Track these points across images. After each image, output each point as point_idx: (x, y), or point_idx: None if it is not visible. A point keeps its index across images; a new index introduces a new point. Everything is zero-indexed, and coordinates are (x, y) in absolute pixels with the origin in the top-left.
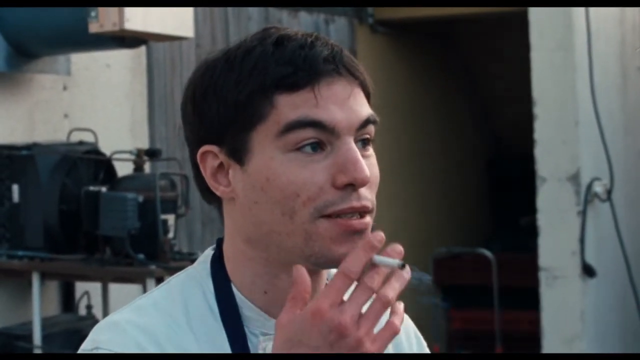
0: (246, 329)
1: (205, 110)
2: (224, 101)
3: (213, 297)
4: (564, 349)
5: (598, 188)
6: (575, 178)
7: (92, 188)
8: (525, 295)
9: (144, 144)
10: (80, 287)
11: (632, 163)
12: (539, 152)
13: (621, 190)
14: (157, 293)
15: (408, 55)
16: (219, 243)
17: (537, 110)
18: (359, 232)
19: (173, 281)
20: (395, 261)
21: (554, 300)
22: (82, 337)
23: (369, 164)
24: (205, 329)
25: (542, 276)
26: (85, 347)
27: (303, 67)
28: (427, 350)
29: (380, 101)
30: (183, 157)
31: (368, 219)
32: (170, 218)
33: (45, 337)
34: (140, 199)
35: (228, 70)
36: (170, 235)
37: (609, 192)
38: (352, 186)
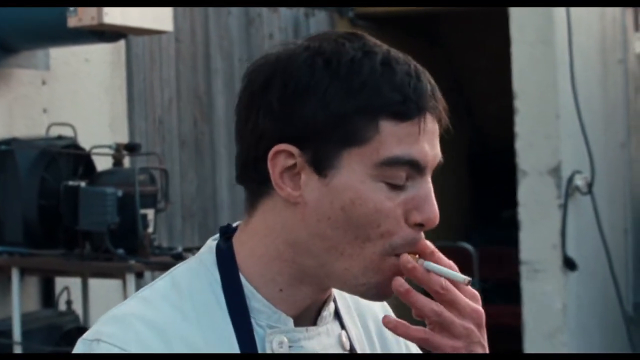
0: (252, 320)
1: (297, 108)
2: (324, 107)
3: (219, 287)
4: (546, 342)
5: (579, 181)
6: (556, 171)
7: (71, 183)
8: (506, 289)
9: (124, 139)
10: (60, 282)
11: (613, 156)
12: (520, 145)
13: (602, 183)
14: (162, 284)
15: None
16: (224, 232)
17: (518, 103)
18: None
19: (176, 271)
20: (464, 277)
21: (535, 294)
22: (63, 332)
23: None
24: (210, 320)
25: (523, 269)
26: (87, 337)
27: (413, 98)
28: (390, 311)
29: None
30: (162, 151)
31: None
32: (150, 213)
33: (25, 333)
34: (120, 193)
35: (332, 76)
36: (150, 229)
37: (589, 186)
38: (421, 225)
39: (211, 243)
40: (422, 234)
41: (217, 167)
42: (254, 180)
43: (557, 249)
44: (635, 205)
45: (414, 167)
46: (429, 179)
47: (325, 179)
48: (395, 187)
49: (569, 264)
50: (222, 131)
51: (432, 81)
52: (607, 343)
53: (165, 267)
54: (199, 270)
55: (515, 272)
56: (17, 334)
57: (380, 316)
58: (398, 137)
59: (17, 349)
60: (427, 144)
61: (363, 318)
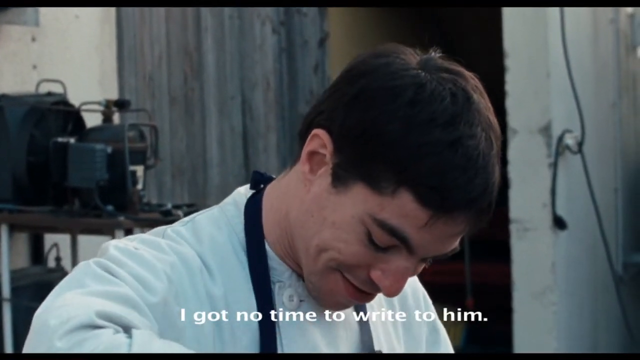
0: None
1: (357, 112)
2: (374, 134)
3: (238, 240)
4: (535, 301)
5: (569, 140)
6: (546, 130)
7: (60, 139)
8: (496, 248)
9: (113, 95)
10: (49, 239)
11: (603, 115)
12: (510, 104)
13: (592, 142)
14: (184, 230)
15: (379, 11)
16: (257, 181)
17: (509, 62)
18: (351, 303)
19: (197, 219)
20: None
21: (525, 253)
22: (52, 289)
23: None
24: (227, 270)
25: (513, 228)
26: (125, 242)
27: (445, 195)
28: (432, 308)
29: (348, 53)
30: (152, 108)
31: (367, 297)
32: (139, 169)
33: (14, 290)
34: (109, 150)
35: (404, 116)
36: (139, 186)
37: (580, 144)
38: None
39: (240, 196)
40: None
41: (207, 124)
42: (302, 140)
43: (547, 208)
44: (625, 165)
45: (406, 245)
46: (417, 262)
47: (334, 189)
48: (376, 245)
49: (559, 223)
50: (212, 88)
51: (494, 179)
52: (597, 303)
53: (154, 223)
54: (220, 219)
55: (505, 231)
56: (6, 291)
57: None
58: (406, 212)
59: (6, 306)
60: (434, 238)
61: None
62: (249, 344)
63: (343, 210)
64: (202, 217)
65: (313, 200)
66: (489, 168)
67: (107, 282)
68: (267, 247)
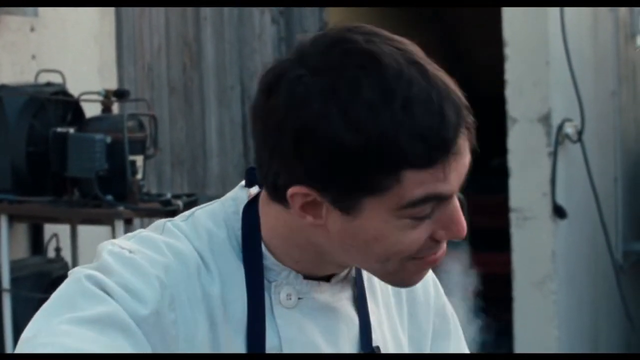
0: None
1: (313, 159)
2: (341, 158)
3: (235, 238)
4: (535, 290)
5: (569, 129)
6: (546, 119)
7: (60, 129)
8: (496, 237)
9: (113, 85)
10: (48, 229)
11: (603, 104)
12: (509, 92)
13: (592, 131)
14: (184, 224)
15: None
16: (253, 180)
17: (508, 51)
18: (438, 262)
19: (197, 213)
20: None
21: (525, 241)
22: (51, 279)
23: None
24: (224, 268)
25: (513, 217)
26: (119, 243)
27: (436, 143)
28: (444, 302)
29: None
30: (151, 97)
31: (444, 246)
32: (139, 159)
33: (13, 280)
34: (109, 140)
35: (348, 125)
36: (139, 176)
37: (579, 133)
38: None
39: (240, 193)
40: (445, 243)
41: (207, 114)
42: (276, 199)
43: (546, 197)
44: (625, 154)
45: (440, 199)
46: (456, 199)
47: (348, 216)
48: (421, 218)
49: (559, 212)
50: (212, 78)
51: (457, 97)
52: (596, 291)
53: (154, 213)
54: (219, 215)
55: (505, 220)
56: (5, 281)
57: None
58: (420, 181)
59: (6, 296)
60: (455, 173)
61: None
62: (242, 343)
63: (374, 225)
64: (201, 211)
65: (339, 234)
66: (450, 94)
67: (96, 302)
68: (266, 251)
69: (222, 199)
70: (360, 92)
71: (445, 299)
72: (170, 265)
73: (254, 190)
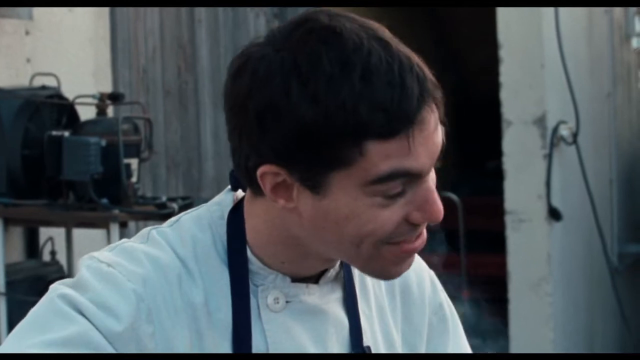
0: (250, 282)
1: (277, 134)
2: (305, 134)
3: (221, 243)
4: (530, 292)
5: (564, 131)
6: (541, 121)
7: (55, 133)
8: (491, 239)
9: (107, 88)
10: (44, 232)
11: (598, 106)
12: (504, 95)
13: (587, 133)
14: (169, 231)
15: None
16: (236, 184)
17: (503, 53)
18: (415, 252)
19: (183, 219)
20: None
21: (520, 244)
22: (47, 282)
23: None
24: (208, 273)
25: (508, 220)
26: (98, 257)
27: (397, 113)
28: (442, 300)
29: None
30: (146, 101)
31: (425, 236)
32: (134, 162)
33: (9, 283)
34: (103, 143)
35: (310, 99)
36: (134, 179)
37: (574, 136)
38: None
39: (225, 198)
40: (424, 228)
41: (201, 117)
42: (250, 185)
43: (542, 199)
44: (620, 156)
45: (409, 176)
46: (429, 179)
47: (318, 195)
48: (393, 196)
49: (554, 214)
50: (206, 81)
51: (421, 71)
52: (592, 293)
53: (149, 216)
54: (204, 220)
55: (500, 222)
56: (0, 285)
57: (410, 272)
58: (386, 154)
59: (1, 300)
60: (423, 147)
61: None
62: (228, 349)
63: (344, 202)
64: (187, 217)
65: (311, 218)
66: (413, 67)
67: (67, 322)
68: (252, 256)
69: (208, 203)
70: (320, 66)
71: (443, 296)
72: (149, 277)
73: (240, 193)
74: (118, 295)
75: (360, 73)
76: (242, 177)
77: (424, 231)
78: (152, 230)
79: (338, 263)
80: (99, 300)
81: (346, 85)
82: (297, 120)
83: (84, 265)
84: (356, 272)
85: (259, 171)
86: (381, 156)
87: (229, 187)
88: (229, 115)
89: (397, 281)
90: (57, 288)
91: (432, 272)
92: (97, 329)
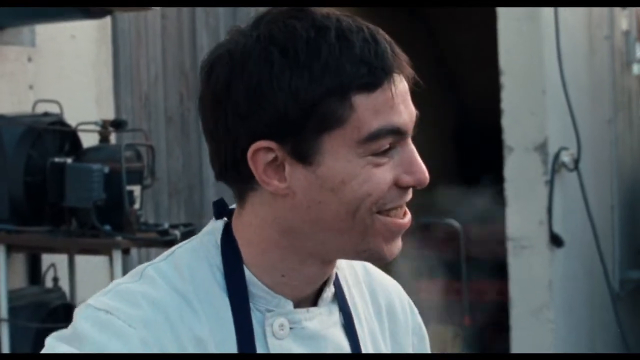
0: (251, 305)
1: (266, 105)
2: (293, 98)
3: (219, 272)
4: (532, 319)
5: (565, 157)
6: (542, 147)
7: (57, 159)
8: (492, 266)
9: (110, 115)
10: (46, 259)
11: (599, 132)
12: (506, 121)
13: (588, 159)
14: (164, 265)
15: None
16: (220, 210)
17: (504, 79)
18: (404, 229)
19: (177, 252)
20: None
21: (522, 270)
22: (49, 309)
23: None
24: (211, 305)
25: (510, 246)
26: (94, 304)
27: (377, 64)
28: (420, 322)
29: None
30: (149, 128)
31: (410, 216)
32: (136, 189)
33: (11, 310)
34: (106, 170)
35: (292, 65)
36: (137, 206)
37: (576, 162)
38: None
39: (215, 225)
40: (410, 192)
41: (203, 144)
42: (237, 180)
43: (543, 225)
44: (621, 182)
45: (397, 134)
46: (410, 142)
47: (311, 166)
48: (382, 155)
49: (556, 241)
50: None
51: (387, 37)
52: (594, 319)
53: (151, 243)
54: (199, 252)
55: (502, 248)
56: (3, 311)
57: (393, 295)
58: (374, 108)
59: (4, 326)
60: (402, 104)
61: (374, 293)
62: None
63: (338, 166)
64: (181, 250)
65: (306, 195)
66: (378, 31)
67: None
68: (252, 277)
69: (200, 234)
70: (295, 33)
71: (420, 319)
72: (149, 319)
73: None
74: (120, 343)
75: (335, 33)
76: (230, 176)
77: (409, 213)
78: (147, 268)
79: (332, 282)
80: (103, 351)
81: (325, 45)
82: (284, 88)
83: (81, 317)
84: (349, 299)
85: (250, 151)
86: (370, 111)
87: (214, 222)
88: (209, 113)
89: (383, 305)
90: (52, 345)
91: (409, 297)
92: None
